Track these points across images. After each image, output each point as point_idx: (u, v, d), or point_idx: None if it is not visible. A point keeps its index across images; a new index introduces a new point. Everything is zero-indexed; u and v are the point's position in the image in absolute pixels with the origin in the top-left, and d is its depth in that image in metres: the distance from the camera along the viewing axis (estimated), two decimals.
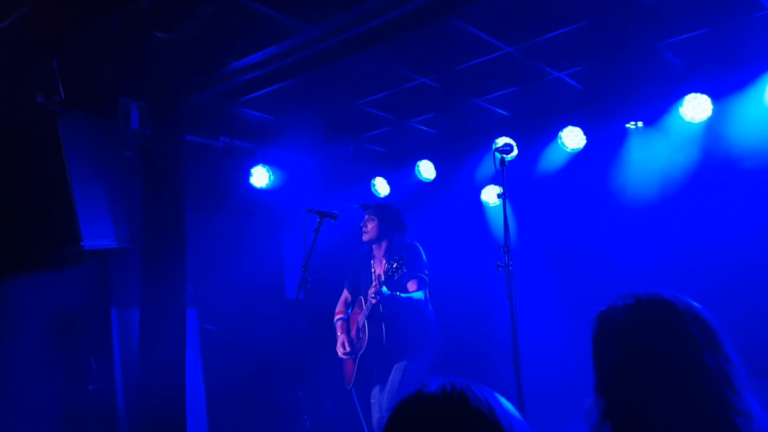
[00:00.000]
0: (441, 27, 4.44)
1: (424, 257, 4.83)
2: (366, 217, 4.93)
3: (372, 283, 4.69)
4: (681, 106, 5.35)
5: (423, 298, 4.67)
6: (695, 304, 1.49)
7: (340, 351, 4.87)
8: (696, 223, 5.32)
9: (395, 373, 4.62)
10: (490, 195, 6.61)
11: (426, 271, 4.78)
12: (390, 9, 3.95)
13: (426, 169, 6.88)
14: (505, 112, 6.18)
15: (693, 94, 5.30)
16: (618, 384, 1.44)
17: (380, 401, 4.71)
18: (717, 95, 5.24)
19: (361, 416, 4.81)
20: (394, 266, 4.40)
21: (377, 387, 4.83)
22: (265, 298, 6.51)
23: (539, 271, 6.00)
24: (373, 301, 4.49)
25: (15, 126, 4.56)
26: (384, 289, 4.42)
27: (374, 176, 7.06)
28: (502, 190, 4.07)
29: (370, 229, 4.86)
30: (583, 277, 5.66)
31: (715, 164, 5.31)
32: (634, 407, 1.39)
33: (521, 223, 6.28)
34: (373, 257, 4.97)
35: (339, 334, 4.95)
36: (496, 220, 6.12)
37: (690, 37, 4.76)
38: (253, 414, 6.23)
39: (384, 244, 4.89)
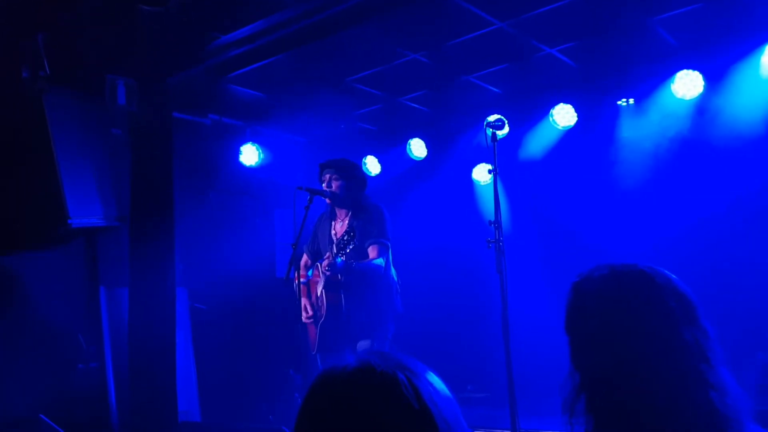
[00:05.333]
0: (433, 1, 4.39)
1: (388, 221, 4.63)
2: (327, 176, 4.65)
3: (331, 245, 4.55)
4: (672, 83, 5.34)
5: (383, 265, 4.51)
6: (673, 276, 1.44)
7: (303, 316, 4.68)
8: (687, 200, 5.34)
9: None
10: (482, 173, 6.60)
11: (389, 236, 4.58)
12: None
13: (417, 148, 6.85)
14: (496, 90, 6.15)
15: (684, 71, 5.29)
16: (593, 356, 1.41)
17: None
18: (708, 72, 5.24)
19: None
20: (345, 238, 4.27)
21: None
22: (255, 277, 6.48)
23: (530, 247, 6.01)
24: (328, 274, 4.39)
25: None
26: (338, 260, 4.29)
27: (365, 154, 7.02)
28: (493, 166, 4.04)
29: (335, 188, 4.62)
30: (574, 253, 5.68)
31: (706, 141, 5.31)
32: (609, 380, 1.37)
33: (512, 200, 6.28)
34: (335, 218, 4.75)
35: (301, 298, 4.75)
36: (487, 199, 6.11)
37: (682, 13, 4.73)
38: (245, 392, 6.24)
39: (348, 205, 4.67)
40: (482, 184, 6.64)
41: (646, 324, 1.38)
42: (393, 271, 4.71)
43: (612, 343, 1.38)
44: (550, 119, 5.96)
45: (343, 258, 4.32)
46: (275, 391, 6.26)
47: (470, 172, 6.74)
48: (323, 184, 4.70)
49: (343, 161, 4.77)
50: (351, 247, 4.29)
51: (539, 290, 5.64)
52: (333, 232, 4.74)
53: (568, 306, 1.50)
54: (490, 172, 4.04)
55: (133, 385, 4.68)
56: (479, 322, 6.03)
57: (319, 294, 4.58)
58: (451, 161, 6.78)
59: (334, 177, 4.65)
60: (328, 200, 4.69)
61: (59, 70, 4.46)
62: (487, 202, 6.25)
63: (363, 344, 4.53)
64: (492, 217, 3.97)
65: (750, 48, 5.03)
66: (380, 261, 4.51)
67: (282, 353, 6.25)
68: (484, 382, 5.75)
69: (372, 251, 4.52)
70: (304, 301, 4.69)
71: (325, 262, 4.37)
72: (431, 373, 1.07)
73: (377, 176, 6.94)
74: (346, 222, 4.63)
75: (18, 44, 4.36)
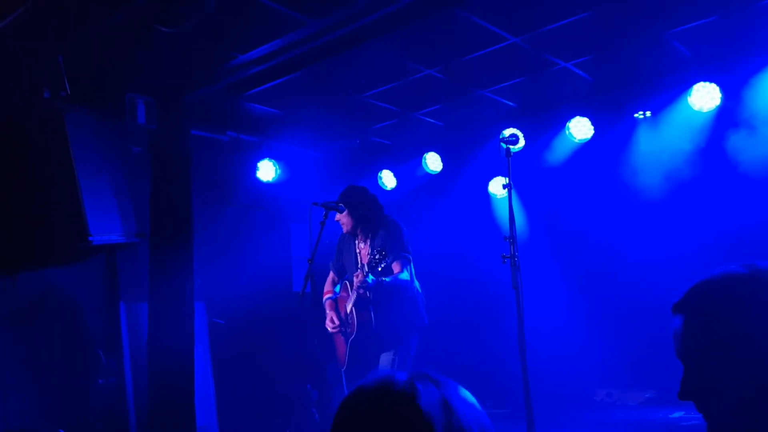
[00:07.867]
0: (446, 18, 4.42)
1: (406, 234, 4.71)
2: (336, 215, 4.78)
3: (357, 263, 4.66)
4: (689, 95, 5.31)
5: (409, 278, 4.61)
6: None
7: (329, 326, 4.78)
8: (704, 213, 5.30)
9: (384, 364, 4.57)
10: (497, 187, 6.60)
11: (409, 249, 4.67)
12: (395, 0, 3.92)
13: (433, 162, 6.87)
14: (512, 103, 6.15)
15: (701, 83, 5.26)
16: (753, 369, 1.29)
17: None
18: (725, 84, 5.21)
19: None
20: (377, 257, 4.33)
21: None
22: (272, 292, 6.52)
23: (547, 262, 5.98)
24: (361, 291, 4.45)
25: (21, 122, 4.58)
26: (369, 278, 4.36)
27: (381, 169, 7.05)
28: (507, 181, 4.05)
29: (346, 223, 4.76)
30: (590, 268, 5.66)
31: (724, 153, 5.27)
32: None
33: (529, 214, 6.26)
34: (356, 237, 4.86)
35: (328, 311, 4.87)
36: (503, 212, 6.10)
37: (698, 26, 4.72)
38: (262, 407, 6.25)
39: (362, 226, 4.78)
40: (499, 197, 6.63)
41: None
42: (416, 283, 4.77)
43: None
44: (567, 132, 5.95)
45: (375, 277, 4.39)
46: (293, 405, 6.26)
47: (486, 185, 6.73)
48: (337, 221, 4.79)
49: (342, 197, 4.80)
50: (383, 265, 4.36)
51: (557, 304, 5.61)
52: (357, 250, 4.84)
53: (695, 311, 1.38)
54: (504, 187, 4.05)
55: (152, 400, 4.71)
56: (498, 336, 6.00)
57: (348, 311, 4.65)
58: (466, 175, 6.78)
59: (343, 222, 4.72)
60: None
61: (80, 89, 4.54)
62: (503, 216, 6.23)
63: (385, 356, 4.57)
64: (508, 232, 3.97)
65: (766, 59, 5.00)
66: (405, 275, 4.58)
67: (299, 368, 6.26)
68: (504, 397, 5.72)
69: (396, 266, 4.59)
70: (331, 314, 4.76)
71: (357, 280, 4.43)
72: (464, 389, 1.08)
73: (393, 190, 6.96)
74: (368, 242, 4.73)
75: (39, 65, 4.45)
